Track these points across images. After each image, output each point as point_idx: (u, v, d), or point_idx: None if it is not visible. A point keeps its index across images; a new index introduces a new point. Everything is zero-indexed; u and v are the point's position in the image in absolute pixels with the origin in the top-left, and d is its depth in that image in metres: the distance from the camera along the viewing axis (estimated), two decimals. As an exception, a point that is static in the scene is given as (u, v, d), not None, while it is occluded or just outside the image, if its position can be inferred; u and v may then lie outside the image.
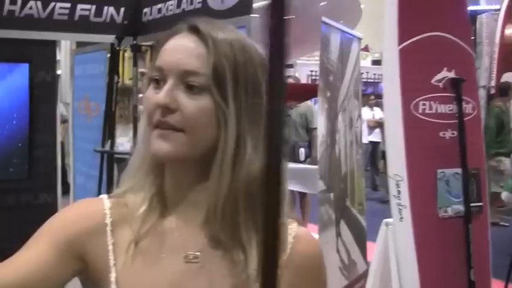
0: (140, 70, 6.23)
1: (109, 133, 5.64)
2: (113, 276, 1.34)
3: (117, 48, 5.57)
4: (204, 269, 1.35)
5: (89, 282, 1.40)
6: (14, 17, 4.94)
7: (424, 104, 3.21)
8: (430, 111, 3.23)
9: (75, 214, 1.42)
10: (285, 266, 1.34)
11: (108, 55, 5.98)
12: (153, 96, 1.30)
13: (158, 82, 1.31)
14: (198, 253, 1.36)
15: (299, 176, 4.94)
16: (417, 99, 3.25)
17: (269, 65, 0.66)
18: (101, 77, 6.53)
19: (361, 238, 4.60)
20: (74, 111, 7.38)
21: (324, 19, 3.86)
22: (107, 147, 5.59)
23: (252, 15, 3.83)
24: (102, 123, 5.96)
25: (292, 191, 8.57)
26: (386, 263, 3.42)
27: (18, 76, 5.03)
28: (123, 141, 6.30)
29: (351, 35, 4.45)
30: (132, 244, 1.36)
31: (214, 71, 1.27)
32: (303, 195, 8.90)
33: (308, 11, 5.06)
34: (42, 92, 5.22)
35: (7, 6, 4.90)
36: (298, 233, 1.42)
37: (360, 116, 4.71)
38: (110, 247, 1.37)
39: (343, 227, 4.21)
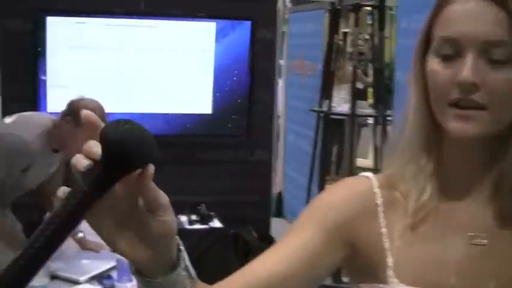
0: (343, 30, 6.11)
1: (326, 93, 5.57)
2: (389, 260, 1.22)
3: (338, 7, 5.47)
4: (492, 252, 1.21)
5: (356, 268, 1.29)
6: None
7: None
8: None
9: (342, 195, 1.29)
10: None
11: (327, 14, 5.91)
12: (445, 73, 1.15)
13: (449, 55, 1.15)
14: (484, 234, 1.21)
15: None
16: None
17: None
18: (318, 36, 6.48)
19: None
20: (287, 70, 7.42)
21: None
22: (324, 107, 5.53)
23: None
24: (316, 83, 5.92)
25: None
26: None
27: (240, 33, 5.09)
28: (338, 102, 6.21)
29: None
30: (408, 227, 1.22)
31: None
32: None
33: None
34: (262, 49, 5.23)
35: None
36: None
37: None
38: (384, 229, 1.24)
39: None
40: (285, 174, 7.46)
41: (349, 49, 6.76)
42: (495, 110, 1.14)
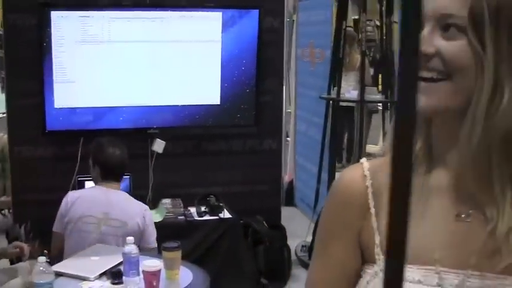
0: (354, 17, 6.08)
1: (335, 80, 5.55)
2: (377, 239, 1.26)
3: (346, -7, 5.44)
4: (475, 228, 1.21)
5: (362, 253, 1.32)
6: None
7: None
8: None
9: (338, 198, 1.35)
10: None
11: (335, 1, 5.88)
12: None
13: None
14: (470, 211, 1.22)
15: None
16: None
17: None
18: (327, 23, 6.45)
19: None
20: (297, 58, 7.39)
21: None
22: (333, 94, 5.51)
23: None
24: (326, 70, 5.89)
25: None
26: None
27: (248, 22, 5.06)
28: (347, 89, 6.18)
29: None
30: None
31: (471, 11, 1.14)
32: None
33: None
34: (270, 37, 5.21)
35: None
36: None
37: None
38: (372, 210, 1.28)
39: None
40: (296, 162, 7.45)
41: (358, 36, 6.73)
42: (454, 79, 1.17)
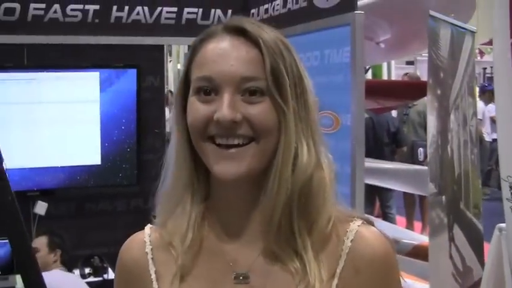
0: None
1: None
2: None
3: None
4: (254, 287, 1.23)
5: None
6: (121, 23, 4.97)
7: (540, 100, 2.93)
8: (547, 107, 2.95)
9: (121, 263, 1.37)
10: (345, 272, 1.21)
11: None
12: (204, 109, 1.18)
13: (207, 92, 1.19)
14: (248, 273, 1.24)
15: (410, 177, 4.70)
16: (532, 95, 2.97)
17: None
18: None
19: (478, 243, 4.32)
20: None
21: (432, 13, 3.64)
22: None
23: (356, 12, 3.69)
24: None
25: (412, 193, 8.34)
26: (500, 271, 3.18)
27: (126, 81, 5.08)
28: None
29: (463, 28, 4.20)
30: (177, 273, 1.26)
31: (272, 73, 1.17)
32: (422, 196, 8.58)
33: (420, 5, 4.85)
34: (150, 96, 5.24)
35: (114, 13, 4.94)
36: (359, 234, 1.24)
37: (475, 113, 4.44)
38: (153, 276, 1.29)
39: (457, 231, 3.96)
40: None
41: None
42: (262, 141, 1.18)
